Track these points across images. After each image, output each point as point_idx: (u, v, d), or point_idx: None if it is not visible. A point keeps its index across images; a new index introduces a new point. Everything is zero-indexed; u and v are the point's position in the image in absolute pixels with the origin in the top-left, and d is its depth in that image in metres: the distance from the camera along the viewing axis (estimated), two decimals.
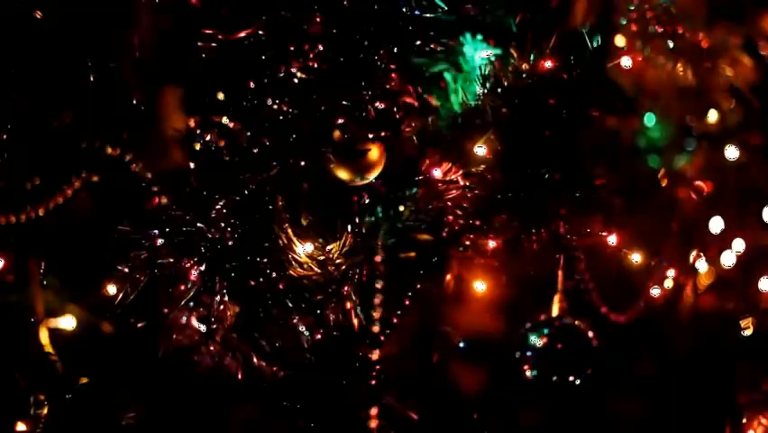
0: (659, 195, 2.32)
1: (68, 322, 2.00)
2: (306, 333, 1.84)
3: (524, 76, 1.86)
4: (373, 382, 1.85)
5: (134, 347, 1.91)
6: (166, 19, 1.90)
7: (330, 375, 1.87)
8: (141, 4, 1.91)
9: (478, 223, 1.87)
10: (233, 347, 1.83)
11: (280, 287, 1.81)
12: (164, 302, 1.81)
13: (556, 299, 2.03)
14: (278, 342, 1.84)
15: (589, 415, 2.21)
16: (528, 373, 2.01)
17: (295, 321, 1.83)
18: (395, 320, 1.88)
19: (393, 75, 1.81)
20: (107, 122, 1.91)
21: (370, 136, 1.78)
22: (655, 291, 2.31)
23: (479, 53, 1.91)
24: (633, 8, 2.16)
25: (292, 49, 1.79)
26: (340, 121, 1.78)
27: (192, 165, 1.85)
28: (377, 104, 1.80)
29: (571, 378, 2.00)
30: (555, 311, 2.03)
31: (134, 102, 1.93)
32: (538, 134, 1.86)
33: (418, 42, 1.83)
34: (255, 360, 1.83)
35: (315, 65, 1.79)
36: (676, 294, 2.37)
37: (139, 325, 1.85)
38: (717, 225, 2.39)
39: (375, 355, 1.85)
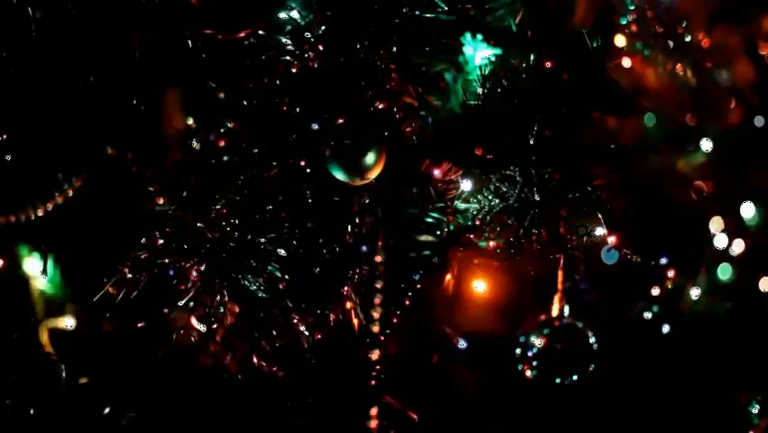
0: (659, 195, 2.32)
1: (68, 322, 2.00)
2: (306, 333, 1.84)
3: (524, 76, 1.86)
4: (373, 382, 1.85)
5: (134, 347, 1.91)
6: (166, 19, 1.90)
7: (330, 375, 1.87)
8: (141, 3, 1.91)
9: (478, 223, 1.87)
10: (233, 347, 1.83)
11: (280, 287, 1.81)
12: (164, 302, 1.81)
13: (556, 299, 2.03)
14: (278, 342, 1.84)
15: (590, 415, 2.21)
16: (528, 373, 2.01)
17: (295, 321, 1.83)
18: (395, 320, 1.88)
19: (393, 75, 1.81)
20: (107, 122, 1.91)
21: (370, 136, 1.78)
22: (655, 291, 2.31)
23: (479, 53, 1.91)
24: (633, 8, 2.16)
25: (292, 49, 1.79)
26: (340, 121, 1.78)
27: (192, 165, 1.86)
28: (377, 104, 1.80)
29: (571, 378, 2.00)
30: (555, 311, 2.03)
31: (134, 102, 1.93)
32: (538, 134, 1.86)
33: (418, 42, 1.83)
34: (255, 360, 1.83)
35: (316, 65, 1.79)
36: (676, 294, 2.37)
37: (139, 325, 1.85)
38: (717, 225, 2.39)
39: (375, 355, 1.85)
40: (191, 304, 1.80)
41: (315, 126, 1.81)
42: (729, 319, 2.41)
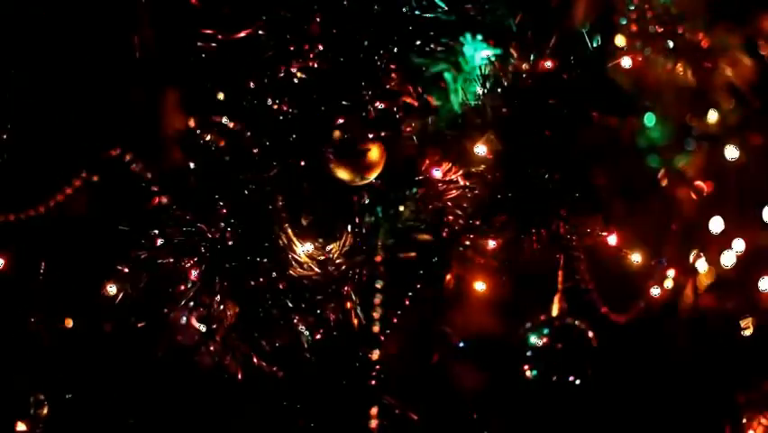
0: (659, 195, 2.32)
1: (68, 322, 2.00)
2: (306, 333, 1.84)
3: (524, 76, 1.86)
4: (373, 382, 1.85)
5: (134, 347, 1.91)
6: (166, 18, 1.90)
7: (330, 375, 1.87)
8: (141, 3, 1.91)
9: (478, 223, 1.88)
10: (233, 347, 1.83)
11: (280, 287, 1.81)
12: (164, 302, 1.81)
13: (556, 299, 2.03)
14: (278, 342, 1.84)
15: (590, 415, 2.21)
16: (528, 373, 2.01)
17: (295, 321, 1.83)
18: (395, 320, 1.88)
19: (393, 75, 1.81)
20: (107, 122, 1.91)
21: (370, 136, 1.78)
22: (655, 291, 2.31)
23: (479, 53, 1.91)
24: (633, 8, 2.16)
25: (292, 49, 1.79)
26: (340, 121, 1.78)
27: (192, 165, 1.86)
28: (377, 104, 1.80)
29: (571, 378, 2.00)
30: (555, 311, 2.03)
31: (134, 102, 1.93)
32: (538, 134, 1.86)
33: (418, 42, 1.84)
34: (255, 360, 1.83)
35: (315, 65, 1.79)
36: (676, 294, 2.37)
37: (139, 325, 1.85)
38: (717, 225, 2.39)
39: (375, 355, 1.85)
40: (191, 304, 1.80)
41: (315, 126, 1.81)
42: (728, 320, 2.41)
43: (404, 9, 1.81)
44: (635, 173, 2.25)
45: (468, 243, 1.89)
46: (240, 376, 1.83)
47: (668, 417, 2.30)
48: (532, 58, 1.86)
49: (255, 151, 1.81)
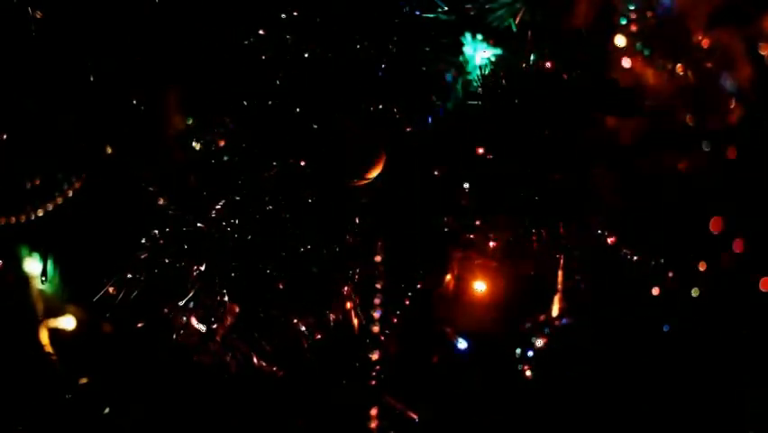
0: (658, 195, 2.32)
1: (68, 322, 2.00)
2: (306, 333, 1.84)
3: (524, 76, 1.86)
4: (373, 383, 1.85)
5: (134, 347, 1.91)
6: (167, 18, 1.90)
7: (330, 375, 1.87)
8: (142, 3, 1.91)
9: (478, 223, 1.88)
10: (233, 347, 1.83)
11: (280, 287, 1.81)
12: (164, 302, 1.81)
13: (556, 299, 2.03)
14: (278, 342, 1.84)
15: (589, 415, 2.21)
16: (528, 373, 2.01)
17: (295, 321, 1.83)
18: (395, 320, 1.88)
19: (393, 75, 1.81)
20: (107, 122, 1.92)
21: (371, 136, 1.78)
22: (655, 291, 2.31)
23: (479, 53, 1.91)
24: (633, 8, 2.16)
25: (292, 49, 1.79)
26: (339, 121, 1.79)
27: (192, 165, 1.86)
28: (377, 104, 1.80)
29: (571, 378, 2.00)
30: (555, 311, 2.03)
31: (134, 102, 1.93)
32: (538, 134, 1.86)
33: (418, 42, 1.84)
34: (255, 360, 1.83)
35: (316, 65, 1.79)
36: (676, 294, 2.37)
37: (139, 325, 1.85)
38: (717, 225, 2.39)
39: (375, 355, 1.85)
40: (191, 304, 1.80)
41: (315, 126, 1.81)
42: (729, 319, 2.41)
43: (404, 9, 1.82)
44: (635, 173, 2.25)
45: (468, 243, 1.89)
46: (239, 376, 1.83)
47: (668, 417, 2.30)
48: (532, 58, 1.86)
49: (255, 151, 1.82)
